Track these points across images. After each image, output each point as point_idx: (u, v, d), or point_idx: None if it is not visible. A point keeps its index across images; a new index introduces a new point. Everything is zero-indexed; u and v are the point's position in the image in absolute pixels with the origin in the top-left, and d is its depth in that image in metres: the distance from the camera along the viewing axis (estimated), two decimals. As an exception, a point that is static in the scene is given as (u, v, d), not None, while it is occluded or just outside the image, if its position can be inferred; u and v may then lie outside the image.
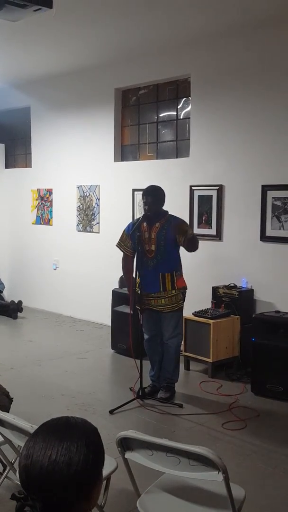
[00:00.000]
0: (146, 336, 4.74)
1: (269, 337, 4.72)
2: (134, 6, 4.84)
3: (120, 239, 4.80)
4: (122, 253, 4.82)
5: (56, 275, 8.02)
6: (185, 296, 4.66)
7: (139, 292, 4.60)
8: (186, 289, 4.67)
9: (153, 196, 4.58)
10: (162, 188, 4.72)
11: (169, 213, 4.67)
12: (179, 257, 4.64)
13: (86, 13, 5.03)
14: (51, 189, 8.02)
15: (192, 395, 4.83)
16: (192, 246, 4.51)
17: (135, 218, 6.47)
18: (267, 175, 5.40)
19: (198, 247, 4.54)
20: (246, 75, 5.53)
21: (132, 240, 4.60)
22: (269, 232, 5.40)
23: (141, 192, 6.10)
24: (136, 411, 4.42)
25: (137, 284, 4.62)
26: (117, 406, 4.39)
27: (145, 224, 4.57)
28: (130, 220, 6.61)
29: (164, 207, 4.70)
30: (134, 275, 4.65)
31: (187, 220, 5.82)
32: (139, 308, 4.62)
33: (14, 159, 8.94)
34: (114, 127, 7.02)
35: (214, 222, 5.89)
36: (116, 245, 4.83)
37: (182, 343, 5.04)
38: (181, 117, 6.41)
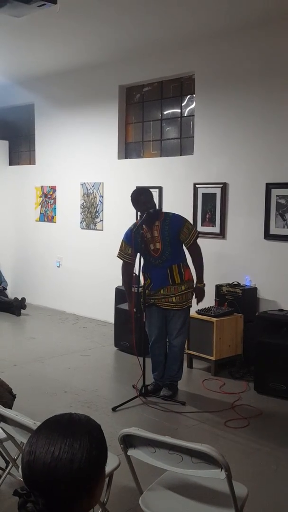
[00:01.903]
0: (151, 338, 4.72)
1: (273, 335, 4.71)
2: (139, 3, 4.83)
3: (119, 249, 4.78)
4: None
5: (60, 272, 8.02)
6: (192, 294, 4.68)
7: (146, 291, 4.58)
8: (193, 284, 4.68)
9: (144, 194, 4.61)
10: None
11: (163, 210, 4.71)
12: (183, 251, 4.66)
13: (90, 10, 5.02)
14: (55, 186, 8.02)
15: (195, 393, 4.83)
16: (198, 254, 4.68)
17: (139, 216, 6.47)
18: (271, 173, 5.38)
19: (201, 255, 4.70)
20: (250, 73, 5.51)
21: (135, 242, 4.55)
22: (273, 230, 5.38)
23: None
24: (139, 408, 4.42)
25: (146, 285, 4.60)
26: (120, 404, 4.40)
27: (144, 227, 4.56)
28: (134, 217, 6.63)
29: (169, 206, 4.71)
30: (139, 275, 4.63)
31: (190, 218, 5.81)
32: (143, 304, 4.61)
33: (18, 156, 8.94)
34: (118, 125, 7.01)
35: (218, 220, 5.88)
36: (117, 256, 4.81)
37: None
38: (185, 115, 6.39)
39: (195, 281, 4.67)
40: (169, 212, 4.69)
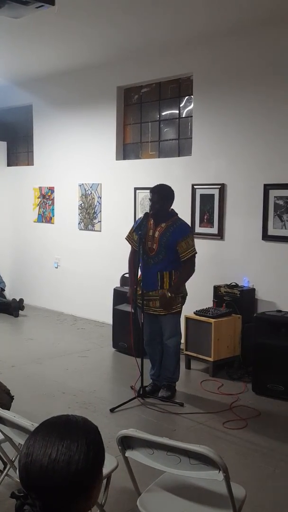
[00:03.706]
0: (145, 337, 4.73)
1: (271, 336, 4.71)
2: (137, 4, 4.83)
3: (129, 232, 4.82)
4: (128, 250, 4.85)
5: (58, 273, 8.02)
6: (184, 300, 4.65)
7: (139, 291, 4.59)
8: (187, 293, 4.66)
9: (159, 194, 4.59)
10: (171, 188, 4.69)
11: (177, 216, 4.64)
12: (179, 260, 4.58)
13: (89, 11, 5.02)
14: (53, 187, 8.02)
15: (193, 394, 4.82)
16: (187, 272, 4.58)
17: (138, 217, 6.49)
18: (269, 174, 5.39)
19: (191, 272, 4.60)
20: (248, 74, 5.51)
21: (137, 231, 4.62)
22: (271, 231, 5.39)
23: (143, 191, 6.17)
24: (137, 409, 4.42)
25: (139, 283, 4.63)
26: (118, 405, 4.39)
27: (152, 221, 4.58)
28: (133, 218, 6.65)
29: None
30: (136, 274, 4.64)
31: (188, 219, 5.81)
32: (139, 304, 4.61)
33: (16, 157, 8.94)
34: (116, 126, 7.01)
35: (216, 221, 5.88)
36: (125, 238, 4.83)
37: (183, 342, 5.04)
38: (183, 116, 6.40)
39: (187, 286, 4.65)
40: (181, 220, 4.63)
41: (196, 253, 4.58)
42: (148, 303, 4.57)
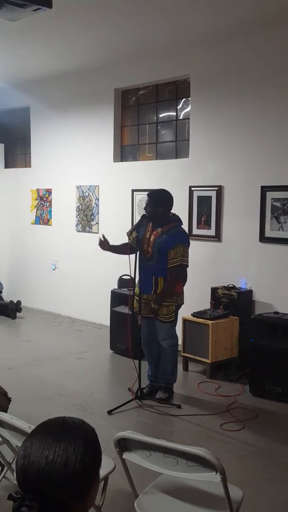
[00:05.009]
0: (142, 336, 4.74)
1: (268, 338, 4.71)
2: (134, 6, 4.84)
3: (131, 228, 4.86)
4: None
5: (55, 275, 8.02)
6: (179, 309, 4.63)
7: (137, 292, 4.61)
8: (182, 303, 4.65)
9: (152, 198, 4.60)
10: (170, 194, 4.66)
11: (177, 223, 4.63)
12: None
13: (86, 13, 5.03)
14: (51, 189, 8.02)
15: (191, 395, 4.83)
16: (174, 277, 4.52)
17: (135, 218, 6.50)
18: (267, 176, 5.40)
19: (175, 283, 4.54)
20: (245, 76, 5.53)
21: (137, 230, 4.66)
22: (268, 233, 5.40)
23: (141, 193, 6.19)
24: (135, 411, 4.42)
25: (137, 284, 4.63)
26: (115, 407, 4.39)
27: (151, 224, 4.59)
28: (130, 220, 6.66)
29: None
30: (134, 278, 4.64)
31: (186, 221, 5.82)
32: (137, 311, 4.62)
33: (13, 159, 8.94)
34: (113, 128, 7.02)
35: (213, 223, 5.89)
36: (127, 232, 4.85)
37: (180, 344, 5.04)
38: (181, 118, 6.41)
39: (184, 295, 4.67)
40: (178, 227, 4.59)
41: (184, 263, 4.50)
42: (143, 306, 4.58)
